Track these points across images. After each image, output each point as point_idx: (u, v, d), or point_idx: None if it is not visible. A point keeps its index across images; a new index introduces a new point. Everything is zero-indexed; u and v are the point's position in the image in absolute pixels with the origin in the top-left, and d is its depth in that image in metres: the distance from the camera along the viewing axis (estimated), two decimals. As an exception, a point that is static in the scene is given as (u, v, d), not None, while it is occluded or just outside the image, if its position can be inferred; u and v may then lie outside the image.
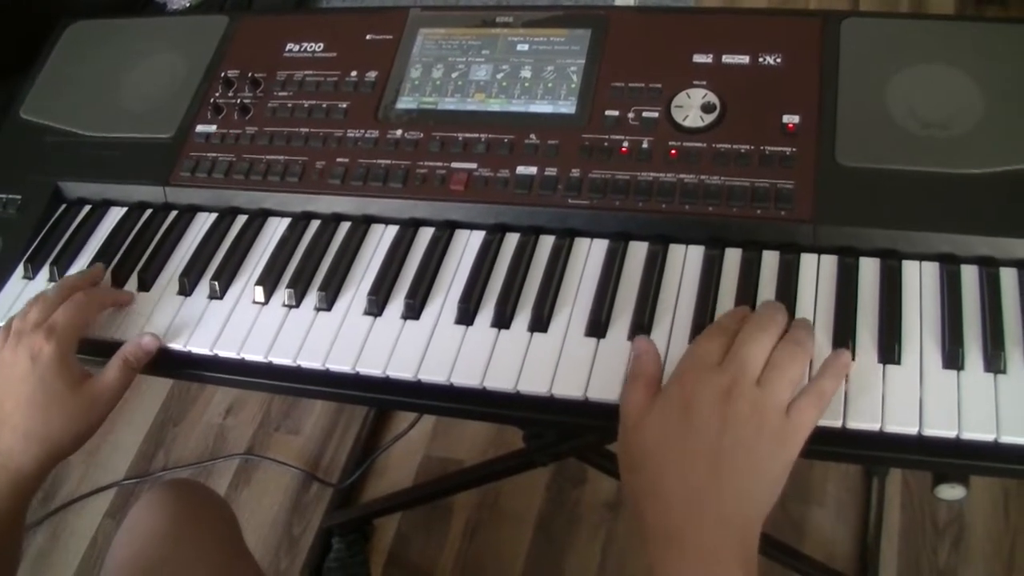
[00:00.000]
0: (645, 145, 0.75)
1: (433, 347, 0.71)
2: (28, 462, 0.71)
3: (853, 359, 0.63)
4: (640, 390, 0.61)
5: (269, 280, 0.78)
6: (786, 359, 0.60)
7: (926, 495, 1.30)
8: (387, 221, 0.80)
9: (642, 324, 0.68)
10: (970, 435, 0.59)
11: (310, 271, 0.78)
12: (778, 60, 0.77)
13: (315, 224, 0.82)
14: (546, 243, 0.75)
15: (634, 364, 0.65)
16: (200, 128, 0.87)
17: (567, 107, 0.79)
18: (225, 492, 1.53)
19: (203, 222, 0.85)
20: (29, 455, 0.71)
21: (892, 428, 0.60)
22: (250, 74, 0.89)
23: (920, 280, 0.67)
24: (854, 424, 0.61)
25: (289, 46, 0.90)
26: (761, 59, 0.77)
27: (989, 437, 0.59)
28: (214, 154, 0.85)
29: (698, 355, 0.61)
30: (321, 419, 1.60)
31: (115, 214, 0.88)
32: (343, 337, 0.73)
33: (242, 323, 0.76)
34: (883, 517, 1.29)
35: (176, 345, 0.76)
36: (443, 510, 1.44)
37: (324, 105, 0.85)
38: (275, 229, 0.82)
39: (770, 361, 0.59)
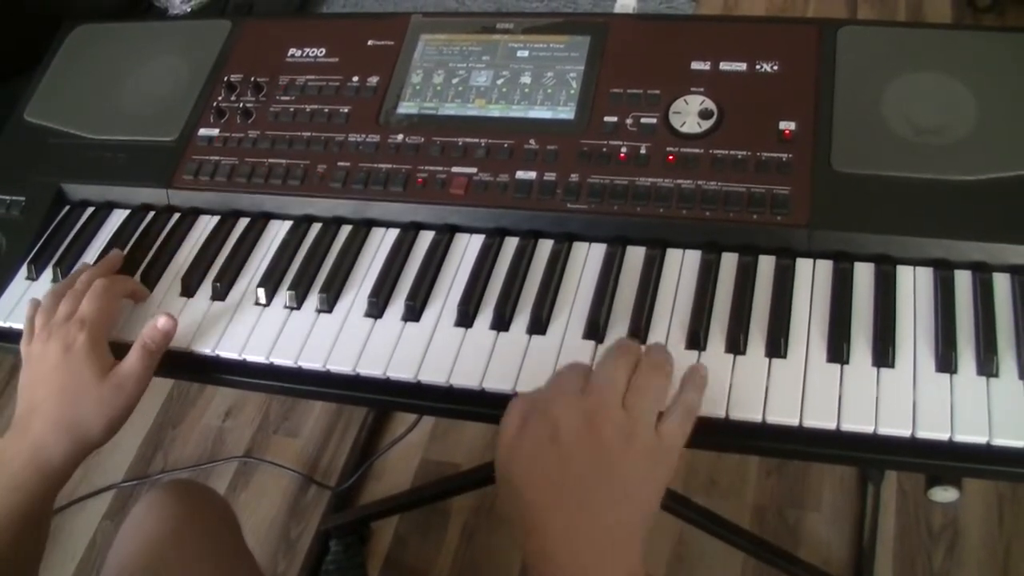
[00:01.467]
0: (643, 151, 0.76)
1: (433, 349, 0.72)
2: (58, 453, 0.71)
3: (848, 362, 0.64)
4: (519, 406, 0.61)
5: (271, 282, 0.78)
6: (647, 380, 0.60)
7: (921, 500, 1.30)
8: (388, 224, 0.81)
9: (639, 327, 0.69)
10: (963, 437, 0.60)
11: (311, 273, 0.79)
12: (775, 67, 0.78)
13: (316, 227, 0.82)
14: (545, 247, 0.76)
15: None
16: (203, 131, 0.88)
17: (566, 113, 0.80)
18: (223, 494, 1.53)
19: (205, 224, 0.85)
20: (60, 446, 0.71)
21: (886, 430, 0.61)
22: (252, 78, 0.89)
23: (914, 285, 0.68)
24: (848, 426, 0.61)
25: (291, 51, 0.91)
26: (758, 66, 0.78)
27: (981, 440, 0.60)
28: (217, 157, 0.86)
29: (559, 385, 0.60)
30: (320, 422, 1.61)
31: (118, 216, 0.88)
32: (344, 339, 0.74)
33: (244, 324, 0.77)
34: (878, 522, 1.29)
35: (178, 346, 0.76)
36: (440, 513, 1.44)
37: (326, 110, 0.86)
38: (277, 232, 0.83)
39: (631, 384, 0.59)
